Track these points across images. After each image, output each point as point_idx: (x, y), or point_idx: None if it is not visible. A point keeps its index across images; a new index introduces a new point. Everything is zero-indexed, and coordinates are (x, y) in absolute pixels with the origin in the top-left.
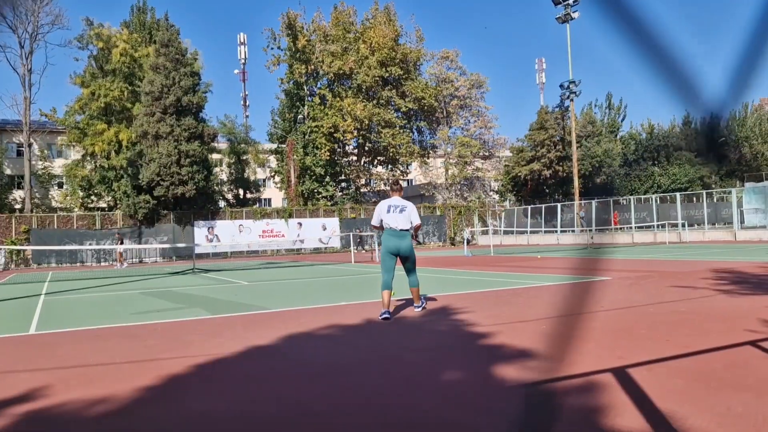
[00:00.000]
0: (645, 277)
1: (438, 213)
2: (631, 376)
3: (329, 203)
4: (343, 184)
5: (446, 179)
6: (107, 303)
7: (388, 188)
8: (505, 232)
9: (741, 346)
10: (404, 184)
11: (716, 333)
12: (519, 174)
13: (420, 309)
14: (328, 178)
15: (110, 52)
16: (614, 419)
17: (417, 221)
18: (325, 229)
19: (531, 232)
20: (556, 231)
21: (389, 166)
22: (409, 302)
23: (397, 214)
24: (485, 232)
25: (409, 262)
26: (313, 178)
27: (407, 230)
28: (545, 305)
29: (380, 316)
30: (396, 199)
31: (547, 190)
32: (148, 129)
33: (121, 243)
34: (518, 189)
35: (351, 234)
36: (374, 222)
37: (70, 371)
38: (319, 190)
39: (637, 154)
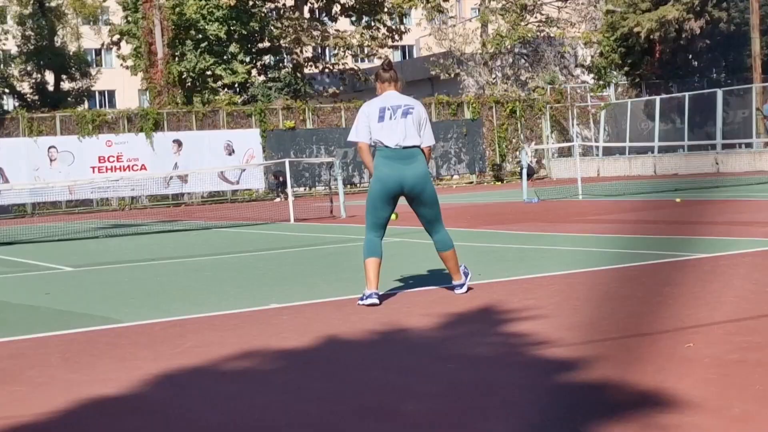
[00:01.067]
0: None
1: (468, 116)
2: None
3: (239, 99)
4: (269, 60)
5: (483, 46)
6: None
7: (374, 77)
8: (607, 152)
9: None
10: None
11: None
12: (634, 30)
13: (462, 291)
14: (235, 48)
15: None
16: None
17: (429, 140)
18: (232, 152)
19: (661, 149)
20: (715, 146)
21: (364, 20)
22: (409, 296)
23: (397, 121)
24: (565, 152)
25: (426, 207)
26: (204, 47)
27: (416, 147)
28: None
29: (361, 301)
30: (392, 95)
31: (696, 63)
32: None
33: None
34: (634, 61)
35: (287, 163)
36: (356, 137)
37: None
38: (218, 71)
39: None
